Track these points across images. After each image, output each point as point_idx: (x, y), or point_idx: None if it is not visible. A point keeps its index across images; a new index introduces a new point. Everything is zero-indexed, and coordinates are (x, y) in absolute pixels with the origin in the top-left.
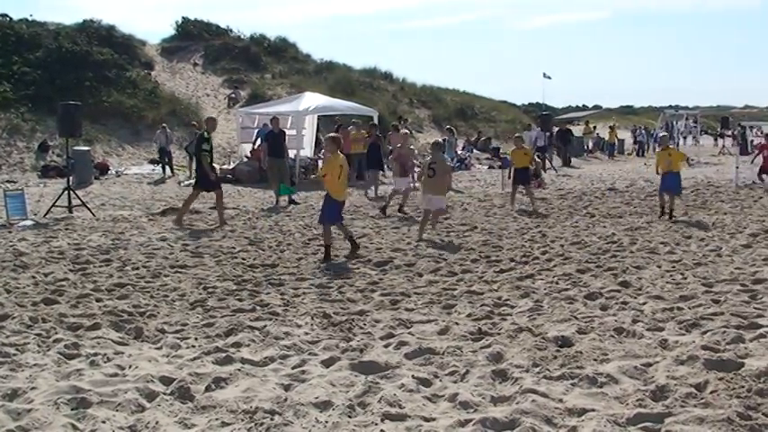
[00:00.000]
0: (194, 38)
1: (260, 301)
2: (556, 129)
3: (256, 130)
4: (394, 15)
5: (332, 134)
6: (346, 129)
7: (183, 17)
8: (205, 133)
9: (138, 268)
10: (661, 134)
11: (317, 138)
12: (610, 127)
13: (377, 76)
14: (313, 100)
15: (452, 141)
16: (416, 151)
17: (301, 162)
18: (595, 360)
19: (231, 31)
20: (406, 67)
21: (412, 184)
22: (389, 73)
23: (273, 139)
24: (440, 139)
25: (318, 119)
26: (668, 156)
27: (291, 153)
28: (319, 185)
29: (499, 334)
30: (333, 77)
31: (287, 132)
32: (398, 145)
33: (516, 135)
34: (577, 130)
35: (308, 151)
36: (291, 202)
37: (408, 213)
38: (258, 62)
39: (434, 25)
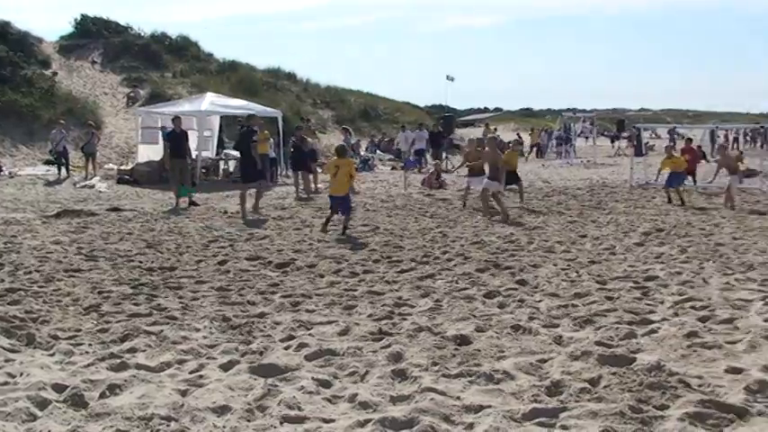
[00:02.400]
0: (93, 35)
1: (157, 306)
2: (427, 131)
3: (159, 132)
4: (298, 15)
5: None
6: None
7: (82, 14)
8: (255, 128)
9: (30, 273)
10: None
11: (219, 138)
12: (531, 129)
13: (280, 77)
14: (215, 100)
15: (349, 141)
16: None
17: (203, 163)
18: (493, 357)
19: (131, 28)
20: (310, 68)
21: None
22: (293, 73)
23: (175, 139)
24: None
25: (221, 119)
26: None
27: (193, 153)
28: (221, 187)
29: (399, 334)
30: (236, 77)
31: (189, 133)
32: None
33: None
34: (479, 132)
35: (210, 152)
36: (191, 203)
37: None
38: (159, 61)
39: (338, 26)
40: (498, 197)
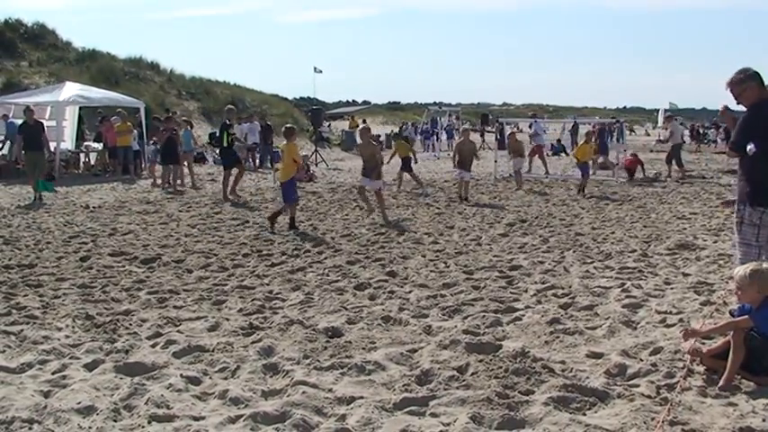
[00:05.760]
0: None
1: (16, 304)
2: (259, 125)
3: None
4: (160, 4)
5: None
6: (110, 120)
7: None
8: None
9: None
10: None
11: (80, 130)
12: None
13: (143, 66)
14: (74, 90)
15: (190, 132)
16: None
17: (61, 155)
18: (364, 349)
19: None
20: (174, 58)
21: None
22: (156, 63)
23: (28, 131)
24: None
25: (80, 110)
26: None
27: (51, 145)
28: (82, 180)
29: (270, 328)
30: (96, 66)
31: (45, 123)
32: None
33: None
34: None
35: (68, 144)
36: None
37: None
38: (13, 49)
39: (202, 15)
40: (363, 193)
